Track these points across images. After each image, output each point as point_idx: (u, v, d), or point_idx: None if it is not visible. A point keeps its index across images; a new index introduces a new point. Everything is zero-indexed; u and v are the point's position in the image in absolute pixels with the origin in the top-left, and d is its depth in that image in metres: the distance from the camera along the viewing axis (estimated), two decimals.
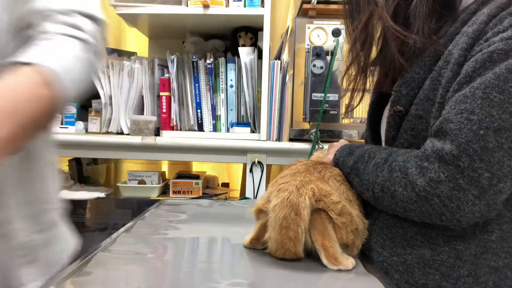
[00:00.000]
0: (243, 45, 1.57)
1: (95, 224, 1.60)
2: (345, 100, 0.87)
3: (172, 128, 1.54)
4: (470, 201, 0.56)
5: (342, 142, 0.81)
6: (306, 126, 1.47)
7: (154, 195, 1.57)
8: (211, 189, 1.76)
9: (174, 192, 1.57)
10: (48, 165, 0.74)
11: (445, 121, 0.58)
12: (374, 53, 0.76)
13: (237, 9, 1.45)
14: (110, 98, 1.59)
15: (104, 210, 1.58)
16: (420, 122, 0.66)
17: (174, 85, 1.51)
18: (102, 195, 1.51)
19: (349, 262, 0.63)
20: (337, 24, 1.39)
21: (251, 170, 1.47)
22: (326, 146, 0.88)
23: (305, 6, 1.47)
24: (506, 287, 0.61)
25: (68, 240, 0.80)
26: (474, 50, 0.60)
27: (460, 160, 0.55)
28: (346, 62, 0.79)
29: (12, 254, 0.64)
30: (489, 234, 0.62)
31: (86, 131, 1.64)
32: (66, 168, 1.88)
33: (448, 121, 0.58)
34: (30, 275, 0.66)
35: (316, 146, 1.39)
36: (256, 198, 1.47)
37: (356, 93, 0.80)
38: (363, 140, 0.93)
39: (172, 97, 1.53)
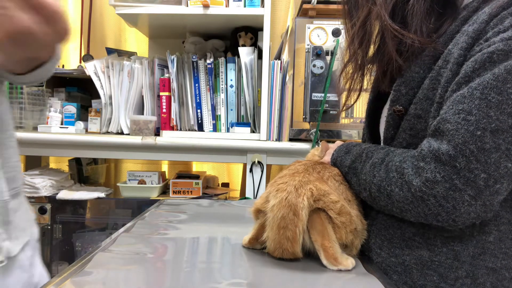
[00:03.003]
0: (243, 45, 1.57)
1: (95, 224, 1.60)
2: (342, 99, 0.87)
3: (172, 128, 1.54)
4: (466, 201, 0.56)
5: (338, 143, 0.82)
6: (306, 126, 1.47)
7: (154, 195, 1.57)
8: (211, 189, 1.76)
9: (174, 192, 1.57)
10: (12, 136, 0.81)
11: (442, 121, 0.58)
12: (372, 51, 0.76)
13: (237, 9, 1.46)
14: (110, 98, 1.59)
15: (104, 210, 1.58)
16: (419, 122, 0.66)
17: (174, 85, 1.51)
18: (102, 195, 1.51)
19: (349, 262, 0.63)
20: (337, 24, 1.39)
21: (251, 170, 1.47)
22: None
23: (305, 6, 1.47)
24: None
25: (30, 211, 0.89)
26: (474, 50, 0.60)
27: (457, 161, 0.55)
28: (344, 59, 0.79)
29: None
30: (486, 235, 0.62)
31: (86, 131, 1.64)
32: (66, 168, 1.88)
33: (445, 121, 0.58)
34: (3, 234, 0.74)
35: (316, 146, 1.39)
36: (256, 198, 1.47)
37: (353, 92, 0.80)
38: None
39: (172, 97, 1.53)
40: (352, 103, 0.83)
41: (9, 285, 0.77)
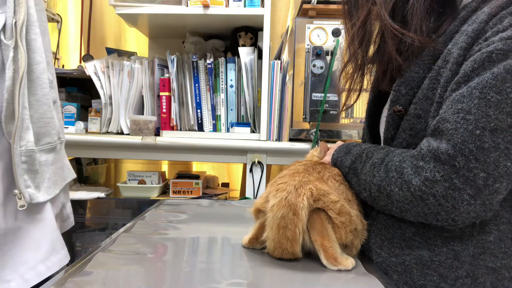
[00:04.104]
0: (243, 45, 1.57)
1: (95, 224, 1.60)
2: (343, 99, 0.87)
3: (172, 128, 1.54)
4: (466, 200, 0.56)
5: (338, 143, 0.82)
6: (306, 126, 1.47)
7: (154, 195, 1.57)
8: (211, 189, 1.76)
9: (174, 192, 1.57)
10: (48, 94, 0.87)
11: (442, 121, 0.58)
12: (372, 51, 0.76)
13: (237, 9, 1.46)
14: (110, 98, 1.59)
15: (104, 210, 1.58)
16: (419, 122, 0.66)
17: (174, 85, 1.51)
18: (102, 195, 1.51)
19: (349, 262, 0.63)
20: (337, 24, 1.39)
21: (251, 170, 1.47)
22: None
23: (305, 6, 1.47)
24: None
25: (69, 169, 0.98)
26: (473, 50, 0.60)
27: (456, 160, 0.55)
28: (344, 59, 0.79)
29: (18, 159, 0.79)
30: (487, 234, 0.62)
31: (86, 131, 1.64)
32: None
33: (444, 121, 0.58)
34: (28, 181, 0.81)
35: (316, 146, 1.39)
36: (256, 198, 1.47)
37: (353, 92, 0.80)
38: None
39: (172, 97, 1.53)
40: (352, 103, 0.83)
41: (35, 234, 0.84)
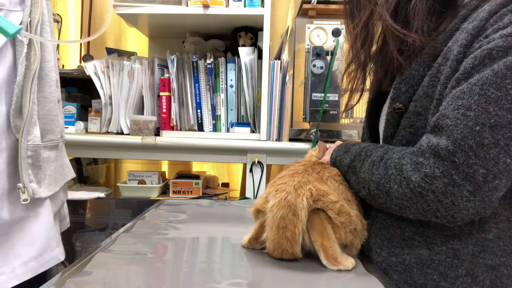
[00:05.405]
0: (243, 45, 1.57)
1: (95, 224, 1.60)
2: (345, 99, 0.87)
3: (172, 128, 1.54)
4: (465, 197, 0.56)
5: (337, 143, 0.82)
6: (306, 126, 1.47)
7: (154, 195, 1.57)
8: (211, 189, 1.76)
9: (174, 192, 1.57)
10: (55, 92, 0.89)
11: (442, 117, 0.58)
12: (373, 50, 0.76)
13: (237, 9, 1.46)
14: (110, 98, 1.59)
15: (104, 210, 1.58)
16: (419, 119, 0.66)
17: (174, 85, 1.51)
18: (102, 195, 1.51)
19: (348, 262, 0.63)
20: (337, 24, 1.39)
21: (251, 170, 1.47)
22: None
23: (305, 6, 1.47)
24: (502, 285, 0.62)
25: (69, 168, 0.99)
26: (473, 47, 0.60)
27: (456, 156, 0.55)
28: (347, 60, 0.79)
29: (25, 153, 0.80)
30: (486, 233, 0.62)
31: (86, 131, 1.64)
32: None
33: (444, 117, 0.58)
34: (31, 176, 0.82)
35: (316, 146, 1.39)
36: (256, 198, 1.47)
37: (355, 92, 0.80)
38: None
39: (172, 97, 1.53)
40: (354, 103, 0.83)
41: (31, 229, 0.84)
